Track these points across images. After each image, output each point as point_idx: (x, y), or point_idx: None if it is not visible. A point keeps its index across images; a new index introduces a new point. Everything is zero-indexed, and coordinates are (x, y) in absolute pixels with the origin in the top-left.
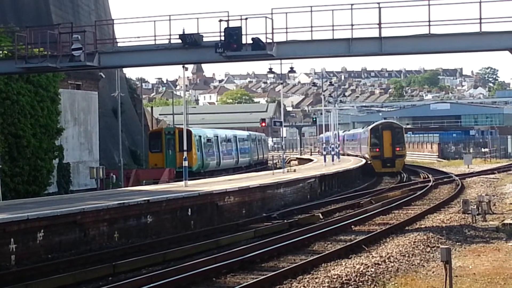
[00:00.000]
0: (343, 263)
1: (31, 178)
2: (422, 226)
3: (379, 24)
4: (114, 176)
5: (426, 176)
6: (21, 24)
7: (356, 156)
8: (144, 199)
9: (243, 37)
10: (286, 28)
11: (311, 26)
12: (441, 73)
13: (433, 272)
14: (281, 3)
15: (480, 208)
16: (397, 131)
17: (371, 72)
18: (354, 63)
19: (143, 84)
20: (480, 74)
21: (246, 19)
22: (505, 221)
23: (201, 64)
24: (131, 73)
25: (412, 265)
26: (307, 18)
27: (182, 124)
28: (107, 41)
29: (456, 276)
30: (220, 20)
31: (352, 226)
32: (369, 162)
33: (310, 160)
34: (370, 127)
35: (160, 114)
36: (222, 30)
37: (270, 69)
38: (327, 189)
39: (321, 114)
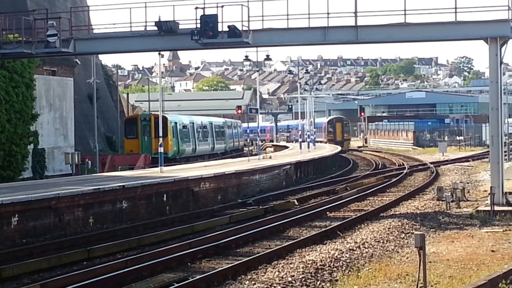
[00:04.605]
0: (318, 249)
1: (5, 163)
2: (397, 212)
3: (355, 12)
4: (89, 161)
5: (401, 163)
6: None
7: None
8: (119, 185)
9: (219, 25)
10: (262, 16)
11: (287, 14)
12: (416, 62)
13: (407, 258)
14: None
15: (454, 195)
16: (345, 123)
17: (347, 61)
18: (330, 52)
19: (119, 70)
20: (455, 63)
21: (222, 6)
22: (479, 208)
23: (177, 51)
24: (107, 59)
25: (387, 251)
26: (283, 6)
27: (158, 111)
28: (82, 28)
29: (430, 262)
30: (196, 8)
31: (327, 213)
32: (325, 143)
33: (286, 147)
34: (327, 120)
35: (136, 101)
36: (198, 17)
37: (246, 56)
38: (302, 176)
39: (297, 101)
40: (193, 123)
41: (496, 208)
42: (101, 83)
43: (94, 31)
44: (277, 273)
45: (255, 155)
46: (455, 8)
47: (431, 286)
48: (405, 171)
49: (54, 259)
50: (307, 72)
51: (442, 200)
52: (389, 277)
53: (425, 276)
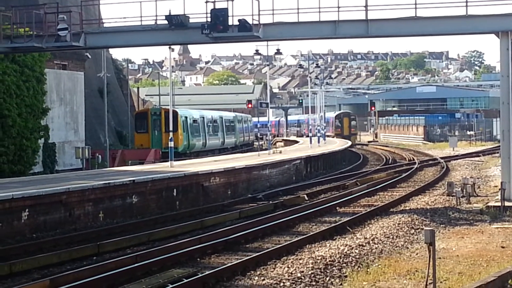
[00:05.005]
0: (328, 245)
1: (16, 157)
2: (407, 208)
3: (366, 6)
4: (99, 156)
5: (411, 158)
6: (7, 4)
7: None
8: (130, 179)
9: (230, 19)
10: (273, 9)
11: (298, 8)
12: (427, 56)
13: (416, 254)
14: None
15: (464, 190)
16: (352, 118)
17: (357, 55)
18: (341, 46)
19: (129, 64)
20: (466, 57)
21: (232, 0)
22: (489, 204)
23: (187, 45)
24: (117, 53)
25: (396, 246)
26: (294, 0)
27: (168, 105)
28: (93, 22)
29: (440, 258)
30: (207, 1)
31: (337, 208)
32: (333, 137)
33: (296, 142)
34: (334, 114)
35: (146, 95)
36: (209, 11)
37: (257, 50)
38: (312, 171)
39: (307, 96)
40: (203, 118)
41: (507, 203)
42: (111, 77)
43: (105, 25)
44: (286, 268)
45: (265, 149)
46: (466, 1)
47: (441, 282)
48: (415, 166)
49: (64, 254)
50: (317, 66)
51: (452, 196)
52: (398, 273)
53: (435, 272)
